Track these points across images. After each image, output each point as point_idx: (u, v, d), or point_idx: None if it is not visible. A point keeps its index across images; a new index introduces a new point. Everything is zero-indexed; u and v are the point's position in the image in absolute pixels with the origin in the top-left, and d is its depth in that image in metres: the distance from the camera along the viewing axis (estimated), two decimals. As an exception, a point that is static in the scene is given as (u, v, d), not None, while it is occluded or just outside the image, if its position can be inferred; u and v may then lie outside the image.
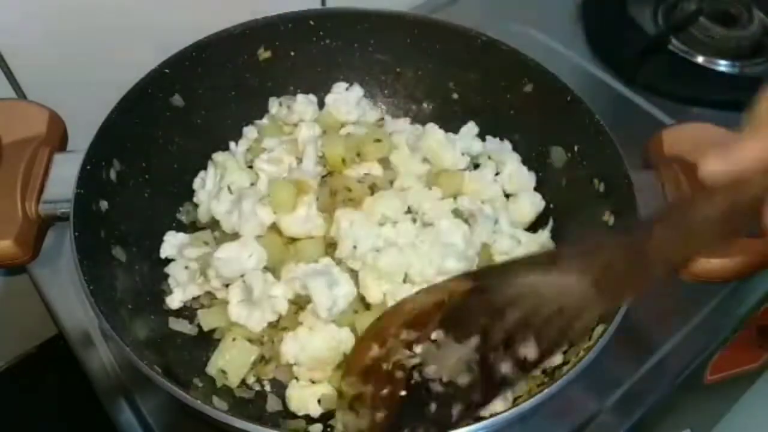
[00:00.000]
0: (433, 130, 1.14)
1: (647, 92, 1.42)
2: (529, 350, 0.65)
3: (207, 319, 1.00)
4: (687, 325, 1.10)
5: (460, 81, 1.23)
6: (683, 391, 1.05)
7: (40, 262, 1.01)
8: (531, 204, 1.12)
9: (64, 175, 0.96)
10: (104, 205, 0.98)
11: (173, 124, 1.12)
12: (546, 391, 0.79)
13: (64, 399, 1.50)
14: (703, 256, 0.91)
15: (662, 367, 1.06)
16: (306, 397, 0.94)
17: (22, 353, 1.55)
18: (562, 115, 1.11)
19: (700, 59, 1.48)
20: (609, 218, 1.02)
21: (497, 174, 1.16)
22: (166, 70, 1.08)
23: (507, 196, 1.16)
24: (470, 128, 1.21)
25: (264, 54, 1.19)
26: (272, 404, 0.97)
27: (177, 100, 1.12)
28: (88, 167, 0.95)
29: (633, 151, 1.03)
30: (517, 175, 1.15)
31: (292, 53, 1.21)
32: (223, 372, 0.95)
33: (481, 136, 1.21)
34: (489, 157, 1.18)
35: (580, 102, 1.07)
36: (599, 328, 0.88)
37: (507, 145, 1.19)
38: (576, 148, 1.11)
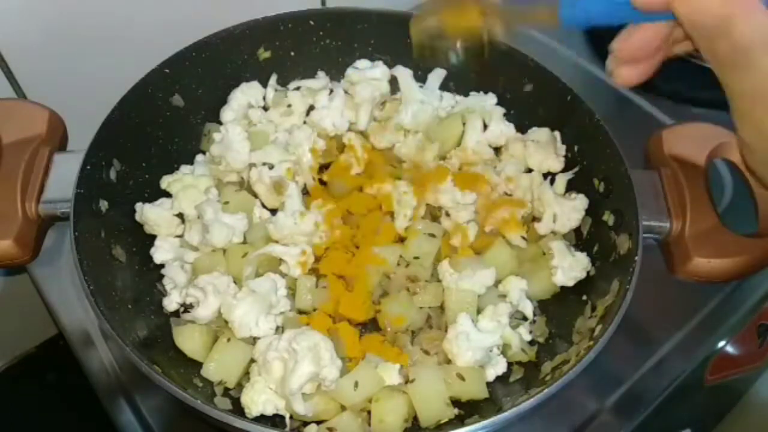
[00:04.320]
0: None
1: (647, 92, 1.42)
2: None
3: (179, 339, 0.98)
4: (687, 325, 1.10)
5: (460, 81, 1.23)
6: (683, 391, 1.05)
7: (40, 262, 1.01)
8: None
9: (64, 175, 0.96)
10: (104, 205, 0.98)
11: (173, 124, 1.12)
12: (546, 390, 0.80)
13: (64, 399, 1.50)
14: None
15: (662, 367, 1.06)
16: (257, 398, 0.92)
17: (22, 353, 1.55)
18: (562, 115, 1.11)
19: (700, 59, 1.48)
20: (609, 218, 1.02)
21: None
22: (166, 70, 1.08)
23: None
24: (438, 74, 1.21)
25: (264, 54, 1.19)
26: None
27: (177, 100, 1.12)
28: (88, 167, 0.95)
29: (633, 151, 1.03)
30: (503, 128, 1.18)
31: (292, 53, 1.21)
32: (220, 372, 0.94)
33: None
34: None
35: (580, 102, 1.07)
36: (599, 328, 0.88)
37: (492, 98, 1.20)
38: (576, 148, 1.12)
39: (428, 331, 1.01)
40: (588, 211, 1.06)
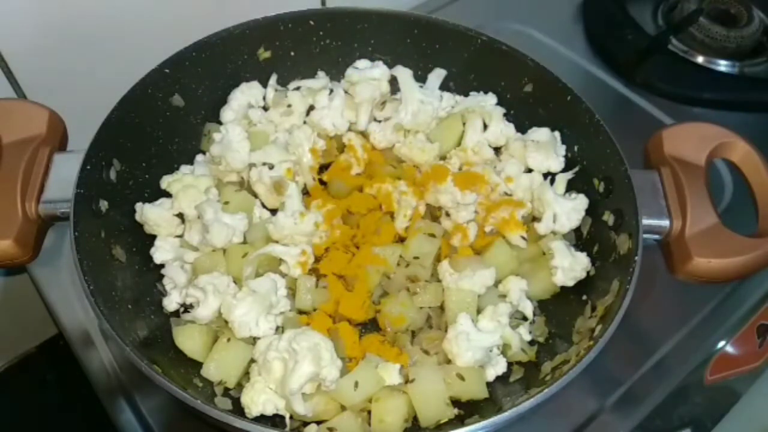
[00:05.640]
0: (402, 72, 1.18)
1: (647, 92, 1.42)
2: None
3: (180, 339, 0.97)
4: (687, 325, 1.10)
5: (460, 81, 1.23)
6: (683, 391, 1.05)
7: (40, 262, 1.01)
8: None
9: (64, 175, 0.96)
10: (104, 205, 0.98)
11: (173, 124, 1.12)
12: (546, 390, 0.80)
13: (64, 399, 1.50)
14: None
15: (662, 367, 1.06)
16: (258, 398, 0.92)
17: (22, 353, 1.55)
18: (562, 115, 1.11)
19: (700, 59, 1.48)
20: (609, 218, 1.02)
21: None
22: (166, 70, 1.08)
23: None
24: (438, 74, 1.21)
25: (264, 54, 1.19)
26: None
27: (177, 100, 1.12)
28: (88, 167, 0.95)
29: (633, 151, 1.03)
30: (503, 128, 1.18)
31: (292, 53, 1.21)
32: (220, 372, 0.94)
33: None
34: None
35: (580, 102, 1.07)
36: (599, 328, 0.88)
37: (492, 98, 1.20)
38: (576, 148, 1.12)
39: (428, 331, 1.01)
40: (588, 211, 1.06)
